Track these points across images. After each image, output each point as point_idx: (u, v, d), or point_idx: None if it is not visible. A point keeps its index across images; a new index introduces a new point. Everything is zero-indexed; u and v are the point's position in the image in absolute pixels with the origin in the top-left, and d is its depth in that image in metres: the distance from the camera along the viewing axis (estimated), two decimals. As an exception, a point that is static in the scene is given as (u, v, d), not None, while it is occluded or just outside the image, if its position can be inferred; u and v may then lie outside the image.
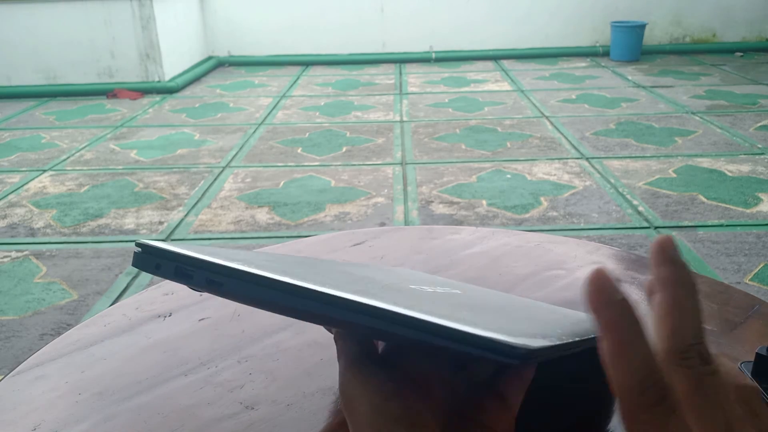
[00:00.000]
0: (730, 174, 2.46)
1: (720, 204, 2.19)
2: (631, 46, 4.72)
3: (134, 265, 0.31)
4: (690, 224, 2.05)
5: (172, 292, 0.56)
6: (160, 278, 0.35)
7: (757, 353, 0.40)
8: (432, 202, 2.29)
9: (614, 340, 0.22)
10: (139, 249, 0.31)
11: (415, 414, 0.27)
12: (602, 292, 0.22)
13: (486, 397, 0.30)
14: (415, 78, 4.44)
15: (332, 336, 0.34)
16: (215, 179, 2.57)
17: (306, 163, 2.73)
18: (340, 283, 0.29)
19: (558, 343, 0.26)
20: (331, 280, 0.30)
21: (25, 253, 1.99)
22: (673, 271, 0.24)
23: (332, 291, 0.26)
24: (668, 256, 0.24)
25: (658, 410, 0.22)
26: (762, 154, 2.68)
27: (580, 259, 0.60)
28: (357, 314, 0.25)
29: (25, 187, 2.55)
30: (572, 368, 0.32)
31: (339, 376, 0.30)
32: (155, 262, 0.31)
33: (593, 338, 0.30)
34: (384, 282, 0.35)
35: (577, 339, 0.29)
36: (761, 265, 1.78)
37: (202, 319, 0.52)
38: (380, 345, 0.32)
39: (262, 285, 0.27)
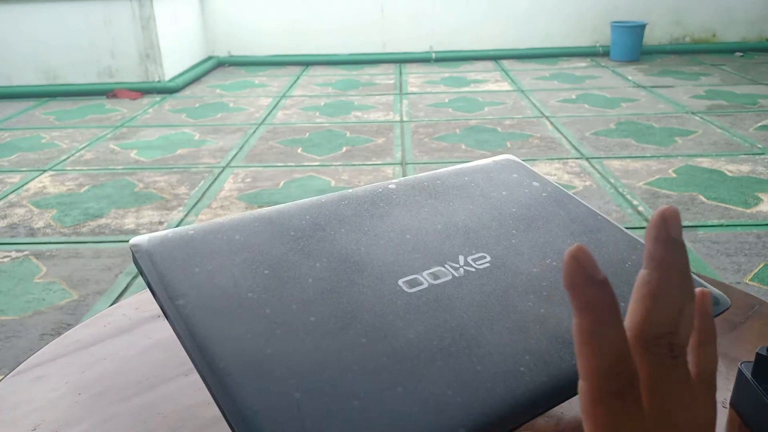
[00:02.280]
0: (730, 174, 2.46)
1: (720, 204, 2.19)
2: (631, 46, 4.72)
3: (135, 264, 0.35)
4: (690, 224, 2.05)
5: (172, 292, 0.56)
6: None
7: (757, 353, 0.40)
8: (432, 202, 2.28)
9: (590, 321, 0.21)
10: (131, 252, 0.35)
11: None
12: (583, 270, 0.21)
13: None
14: (415, 78, 4.44)
15: None
16: (215, 179, 2.58)
17: (306, 163, 2.73)
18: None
19: None
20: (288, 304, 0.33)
21: (25, 253, 1.99)
22: (666, 251, 0.22)
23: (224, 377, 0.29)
24: (667, 233, 0.22)
25: (624, 398, 0.21)
26: (762, 154, 2.68)
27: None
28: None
29: (25, 187, 2.55)
30: None
31: None
32: (139, 268, 0.35)
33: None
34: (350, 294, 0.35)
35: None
36: (761, 265, 1.78)
37: (202, 319, 0.52)
38: None
39: (180, 336, 0.31)
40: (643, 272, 0.22)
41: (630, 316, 0.22)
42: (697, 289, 0.25)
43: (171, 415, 0.41)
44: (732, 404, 0.42)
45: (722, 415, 0.41)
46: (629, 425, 0.21)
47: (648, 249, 0.22)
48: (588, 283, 0.20)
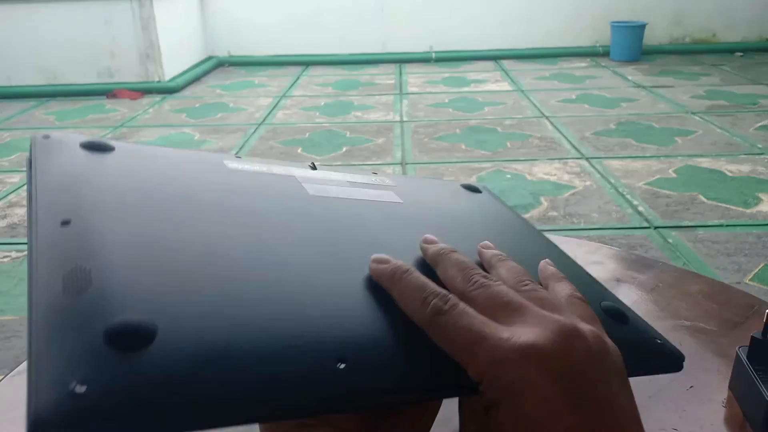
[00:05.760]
0: (730, 174, 2.46)
1: (720, 204, 2.19)
2: (631, 46, 4.72)
3: None
4: (690, 224, 2.05)
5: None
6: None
7: (752, 337, 0.42)
8: (432, 202, 2.28)
9: (395, 285, 0.28)
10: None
11: None
12: (378, 262, 0.30)
13: None
14: (415, 78, 4.44)
15: None
16: (215, 179, 2.57)
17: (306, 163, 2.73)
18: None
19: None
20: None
21: (25, 253, 1.99)
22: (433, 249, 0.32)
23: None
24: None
25: (448, 310, 0.26)
26: (762, 154, 2.68)
27: (580, 259, 0.59)
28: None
29: (25, 187, 2.55)
30: None
31: None
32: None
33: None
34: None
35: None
36: (761, 265, 1.78)
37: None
38: None
39: None
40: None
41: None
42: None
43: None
44: (730, 387, 0.44)
45: (722, 413, 0.42)
46: (468, 322, 0.26)
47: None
48: (381, 272, 0.29)
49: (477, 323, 0.26)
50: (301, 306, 0.27)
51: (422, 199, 0.43)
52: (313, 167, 0.44)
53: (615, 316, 0.34)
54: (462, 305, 0.26)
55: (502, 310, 0.27)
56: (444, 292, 0.27)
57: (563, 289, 0.31)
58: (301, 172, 0.42)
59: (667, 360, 0.34)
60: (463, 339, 0.25)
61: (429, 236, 0.33)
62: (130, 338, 0.22)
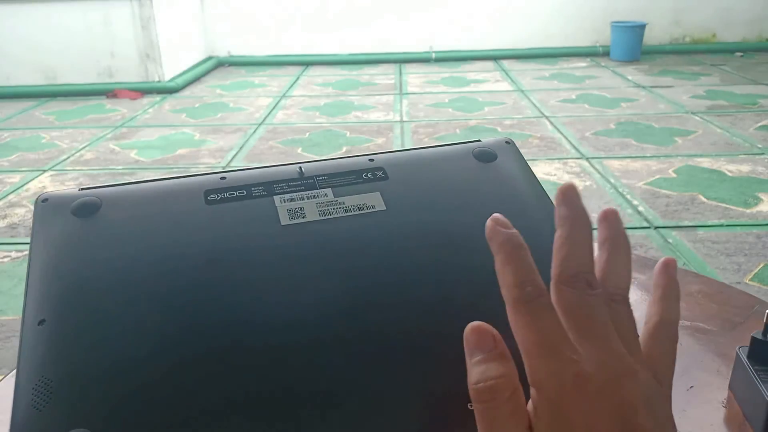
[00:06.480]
0: (730, 174, 2.46)
1: (720, 204, 2.19)
2: (631, 46, 4.72)
3: None
4: (690, 224, 2.05)
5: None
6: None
7: (752, 337, 0.42)
8: (432, 202, 2.28)
9: (504, 252, 0.27)
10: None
11: None
12: (498, 223, 0.28)
13: None
14: (415, 78, 4.44)
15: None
16: (215, 179, 2.57)
17: (306, 163, 2.73)
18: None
19: None
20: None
21: (25, 253, 1.99)
22: (569, 210, 0.29)
23: None
24: (568, 199, 0.29)
25: (534, 304, 0.26)
26: (762, 154, 2.68)
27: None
28: None
29: (25, 187, 2.55)
30: None
31: None
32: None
33: None
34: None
35: None
36: (761, 265, 1.78)
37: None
38: None
39: None
40: (557, 231, 0.29)
41: (552, 264, 0.28)
42: (662, 258, 0.32)
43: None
44: (730, 387, 0.44)
45: (722, 413, 0.42)
46: (544, 326, 0.25)
47: (557, 214, 0.29)
48: (500, 231, 0.27)
49: (558, 331, 0.25)
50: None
51: (413, 196, 0.41)
52: (301, 172, 0.43)
53: None
54: (550, 309, 0.26)
55: (583, 322, 0.26)
56: (542, 287, 0.26)
57: (664, 314, 0.30)
58: (282, 189, 0.42)
59: None
60: (536, 338, 0.25)
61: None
62: None
